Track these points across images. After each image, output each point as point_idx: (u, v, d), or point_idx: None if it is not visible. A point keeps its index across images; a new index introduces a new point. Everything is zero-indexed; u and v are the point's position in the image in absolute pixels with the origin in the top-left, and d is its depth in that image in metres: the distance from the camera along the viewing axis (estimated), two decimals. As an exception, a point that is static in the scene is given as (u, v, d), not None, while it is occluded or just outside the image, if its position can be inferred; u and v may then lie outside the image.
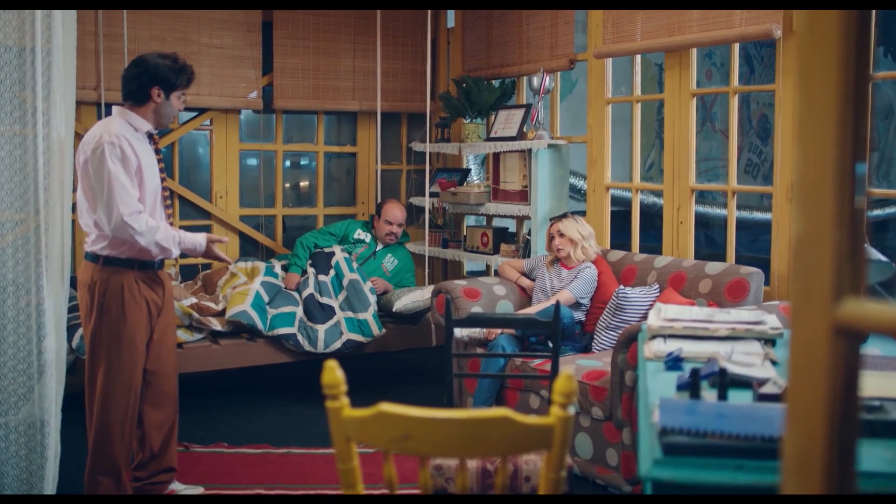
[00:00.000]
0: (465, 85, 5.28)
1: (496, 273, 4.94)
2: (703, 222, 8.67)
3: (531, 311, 4.08)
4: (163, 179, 3.25)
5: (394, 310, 5.00)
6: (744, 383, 2.13)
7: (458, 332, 4.13)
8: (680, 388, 2.09)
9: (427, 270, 5.41)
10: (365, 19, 5.57)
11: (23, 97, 2.95)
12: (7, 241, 2.97)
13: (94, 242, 3.12)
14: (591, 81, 4.80)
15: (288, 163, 6.06)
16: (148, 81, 3.13)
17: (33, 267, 2.97)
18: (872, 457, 1.60)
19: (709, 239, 9.00)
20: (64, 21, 3.06)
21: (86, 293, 3.13)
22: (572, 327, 4.06)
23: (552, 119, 5.15)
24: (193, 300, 4.65)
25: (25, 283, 2.97)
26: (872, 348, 2.42)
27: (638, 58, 4.65)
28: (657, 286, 4.07)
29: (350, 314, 4.81)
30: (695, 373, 1.98)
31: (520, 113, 5.06)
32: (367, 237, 5.33)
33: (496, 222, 5.62)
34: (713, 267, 3.95)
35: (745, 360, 2.29)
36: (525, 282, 4.48)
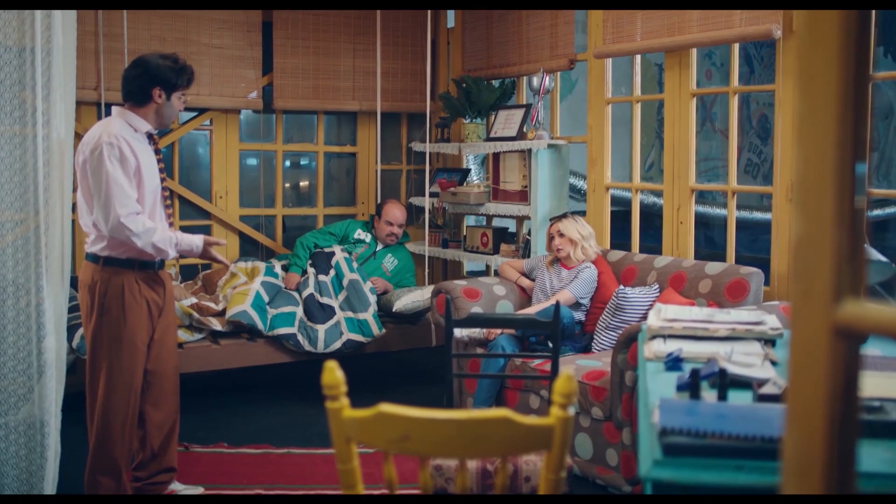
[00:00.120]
0: (464, 85, 5.27)
1: (496, 273, 4.94)
2: (702, 222, 8.66)
3: (531, 311, 4.08)
4: (163, 180, 3.25)
5: (394, 310, 4.99)
6: (744, 384, 2.13)
7: (458, 333, 4.13)
8: (680, 388, 2.09)
9: (427, 270, 5.40)
10: (365, 19, 5.57)
11: (23, 97, 2.95)
12: (7, 242, 2.97)
13: (94, 243, 3.13)
14: (591, 81, 4.80)
15: (288, 163, 6.06)
16: (149, 82, 3.13)
17: (33, 267, 2.97)
18: (872, 457, 1.60)
19: (709, 239, 9.00)
20: (64, 21, 3.06)
21: (86, 293, 3.13)
22: (572, 327, 4.06)
23: (552, 119, 5.15)
24: (194, 300, 4.65)
25: (25, 284, 2.97)
26: (872, 349, 2.42)
27: (638, 58, 4.64)
28: (657, 286, 4.07)
29: (350, 314, 4.81)
30: (695, 373, 1.98)
31: (520, 113, 5.06)
32: (367, 237, 5.33)
33: (496, 222, 5.61)
34: (713, 267, 3.94)
35: (745, 360, 2.29)
36: (525, 282, 4.48)
